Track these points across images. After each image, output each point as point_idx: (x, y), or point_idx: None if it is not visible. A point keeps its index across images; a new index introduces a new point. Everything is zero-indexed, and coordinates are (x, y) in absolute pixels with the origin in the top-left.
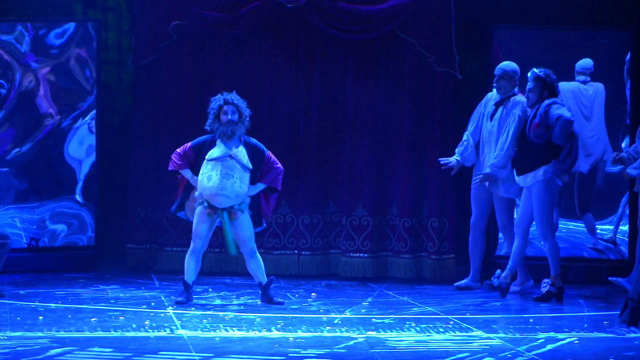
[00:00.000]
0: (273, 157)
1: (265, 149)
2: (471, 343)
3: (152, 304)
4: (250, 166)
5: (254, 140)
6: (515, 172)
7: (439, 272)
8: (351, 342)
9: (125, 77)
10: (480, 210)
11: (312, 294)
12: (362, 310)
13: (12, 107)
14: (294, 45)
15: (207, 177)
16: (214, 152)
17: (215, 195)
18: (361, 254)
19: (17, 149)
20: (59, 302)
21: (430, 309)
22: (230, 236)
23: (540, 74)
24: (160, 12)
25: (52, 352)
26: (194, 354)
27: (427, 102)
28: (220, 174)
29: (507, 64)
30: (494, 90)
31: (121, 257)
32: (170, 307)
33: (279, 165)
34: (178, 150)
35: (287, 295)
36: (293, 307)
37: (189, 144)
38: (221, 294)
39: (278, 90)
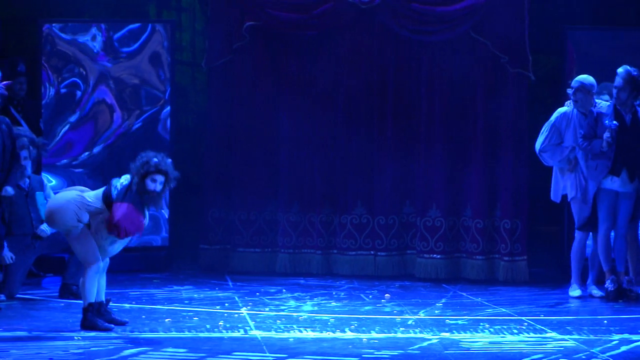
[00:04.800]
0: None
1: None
2: (545, 344)
3: (226, 304)
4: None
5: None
6: (624, 177)
7: (512, 273)
8: (425, 344)
9: (199, 77)
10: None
11: (386, 294)
12: (436, 311)
13: (87, 108)
14: (368, 47)
15: None
16: None
17: None
18: (434, 255)
19: (91, 150)
20: (133, 302)
21: (504, 310)
22: None
23: (635, 73)
24: (234, 13)
25: (126, 352)
26: (267, 354)
27: (500, 103)
28: None
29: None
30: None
31: (195, 257)
32: (244, 308)
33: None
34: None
35: (360, 296)
36: (367, 308)
37: None
38: (295, 294)
39: (353, 92)
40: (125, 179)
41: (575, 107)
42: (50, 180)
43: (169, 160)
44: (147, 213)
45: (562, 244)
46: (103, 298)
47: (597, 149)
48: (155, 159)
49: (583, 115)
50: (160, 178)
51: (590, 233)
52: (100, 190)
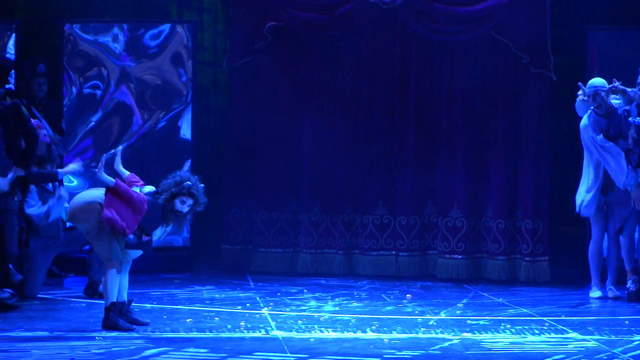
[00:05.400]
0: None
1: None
2: (566, 345)
3: (247, 304)
4: None
5: None
6: None
7: (533, 274)
8: (446, 344)
9: (220, 78)
10: None
11: (407, 295)
12: (457, 312)
13: (109, 108)
14: (390, 47)
15: None
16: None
17: None
18: (456, 255)
19: (113, 150)
20: (154, 302)
21: (525, 310)
22: None
23: None
24: (256, 13)
25: (148, 352)
26: (288, 354)
27: (521, 103)
28: None
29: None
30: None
31: (216, 258)
32: (266, 308)
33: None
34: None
35: (382, 297)
36: (388, 308)
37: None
38: (316, 295)
39: (374, 92)
40: (148, 189)
41: (596, 112)
42: (71, 181)
43: (202, 185)
44: (167, 229)
45: (584, 245)
46: (125, 298)
47: (622, 147)
48: (189, 182)
49: (602, 118)
50: (189, 201)
51: (606, 234)
52: None
